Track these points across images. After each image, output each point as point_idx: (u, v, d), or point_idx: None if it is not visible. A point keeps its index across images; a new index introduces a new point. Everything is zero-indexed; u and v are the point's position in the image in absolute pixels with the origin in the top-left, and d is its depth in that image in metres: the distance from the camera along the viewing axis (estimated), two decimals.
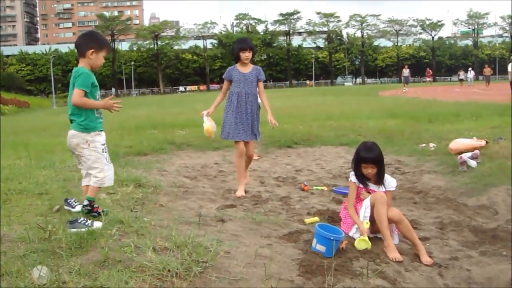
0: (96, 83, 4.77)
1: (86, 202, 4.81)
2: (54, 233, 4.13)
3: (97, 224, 4.44)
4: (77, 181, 6.79)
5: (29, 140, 12.78)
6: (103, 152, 4.78)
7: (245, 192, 6.87)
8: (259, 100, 7.20)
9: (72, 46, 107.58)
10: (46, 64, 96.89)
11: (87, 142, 4.73)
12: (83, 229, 4.21)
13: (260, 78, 7.06)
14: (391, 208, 4.70)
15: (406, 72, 46.68)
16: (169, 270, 3.43)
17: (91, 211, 4.77)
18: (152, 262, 3.52)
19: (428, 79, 62.70)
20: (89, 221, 4.46)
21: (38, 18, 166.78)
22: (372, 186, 4.93)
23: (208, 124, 7.06)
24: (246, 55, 6.89)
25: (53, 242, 3.93)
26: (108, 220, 4.60)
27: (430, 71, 64.25)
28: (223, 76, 7.25)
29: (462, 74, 57.51)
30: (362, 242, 4.51)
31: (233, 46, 7.31)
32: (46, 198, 5.76)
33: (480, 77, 59.57)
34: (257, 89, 7.06)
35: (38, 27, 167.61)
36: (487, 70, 49.06)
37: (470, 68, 57.34)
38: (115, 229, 4.33)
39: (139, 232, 4.37)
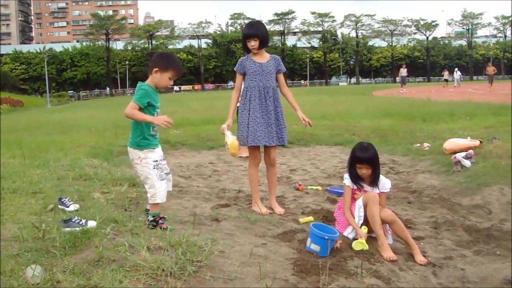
0: (155, 104, 4.78)
1: (150, 218, 4.78)
2: (48, 232, 4.12)
3: (91, 223, 4.42)
4: (71, 180, 6.79)
5: (23, 139, 12.74)
6: (154, 168, 4.72)
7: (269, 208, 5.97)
8: None
9: (66, 45, 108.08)
10: (40, 63, 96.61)
11: (139, 158, 4.76)
12: (77, 228, 4.19)
13: (280, 69, 6.02)
14: (384, 209, 4.70)
15: (403, 72, 44.91)
16: (163, 270, 3.43)
17: (155, 226, 4.71)
18: (146, 261, 3.51)
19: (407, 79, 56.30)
20: (83, 220, 4.45)
21: (32, 17, 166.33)
22: (366, 188, 4.91)
23: (233, 138, 5.68)
24: (252, 44, 5.71)
25: (47, 241, 3.92)
26: (102, 219, 4.60)
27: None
28: (235, 68, 5.97)
29: (446, 75, 56.36)
30: (359, 244, 4.51)
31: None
32: (40, 197, 5.75)
33: (461, 77, 57.07)
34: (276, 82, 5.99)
35: (33, 26, 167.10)
36: (491, 69, 44.25)
37: (456, 69, 55.53)
38: (109, 228, 4.32)
39: (133, 231, 4.37)
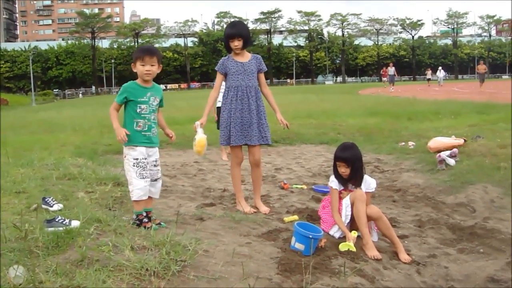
0: (137, 99, 4.79)
1: (134, 217, 4.85)
2: (31, 232, 4.08)
3: (75, 223, 4.40)
4: (55, 179, 6.76)
5: (7, 138, 12.66)
6: (134, 166, 4.74)
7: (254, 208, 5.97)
8: None
9: (52, 43, 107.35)
10: (25, 61, 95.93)
11: (124, 153, 4.84)
12: (61, 228, 4.17)
13: (262, 68, 5.97)
14: (370, 206, 4.72)
15: (391, 70, 43.72)
16: (147, 269, 3.41)
17: (139, 225, 4.74)
18: (130, 261, 3.50)
19: (384, 78, 51.90)
20: (67, 220, 4.43)
21: (17, 15, 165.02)
22: (352, 188, 4.92)
23: (202, 136, 5.58)
24: (235, 44, 5.73)
25: (30, 241, 3.89)
26: (86, 219, 4.57)
27: (387, 70, 52.51)
28: (216, 68, 5.94)
29: (429, 74, 55.62)
30: (346, 246, 4.50)
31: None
32: (23, 196, 5.73)
33: (444, 76, 55.60)
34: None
35: (17, 24, 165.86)
36: (482, 68, 41.71)
37: (440, 68, 53.62)
38: (93, 228, 4.30)
39: (117, 231, 4.35)
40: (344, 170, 4.82)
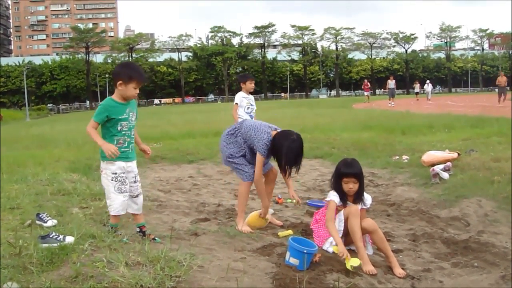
0: (118, 116, 4.75)
1: (108, 228, 4.95)
2: (25, 248, 4.08)
3: (69, 239, 4.39)
4: (49, 195, 6.74)
5: (1, 153, 12.62)
6: (112, 180, 4.78)
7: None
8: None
9: (46, 57, 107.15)
10: (19, 76, 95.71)
11: (101, 168, 4.87)
12: (55, 244, 4.16)
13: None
14: (366, 219, 4.72)
15: (391, 83, 41.04)
16: (141, 285, 3.41)
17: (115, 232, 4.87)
18: (125, 277, 3.49)
19: (365, 93, 50.88)
20: (61, 236, 4.42)
21: (11, 30, 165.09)
22: (350, 204, 4.90)
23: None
24: None
25: (24, 257, 3.88)
26: (80, 235, 4.56)
27: (368, 83, 52.24)
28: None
29: (417, 87, 53.91)
30: (356, 262, 4.39)
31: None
32: (17, 212, 5.71)
33: (432, 90, 53.60)
34: None
35: (12, 39, 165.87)
36: (502, 80, 32.49)
37: (428, 81, 52.85)
38: (87, 244, 4.29)
39: (111, 247, 4.34)
40: (352, 186, 4.79)
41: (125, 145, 4.84)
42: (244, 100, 9.41)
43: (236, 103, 9.42)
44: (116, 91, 4.80)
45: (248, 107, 9.44)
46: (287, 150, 5.33)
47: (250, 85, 9.48)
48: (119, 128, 4.77)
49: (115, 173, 4.77)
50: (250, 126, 5.61)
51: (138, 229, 4.98)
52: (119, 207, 4.80)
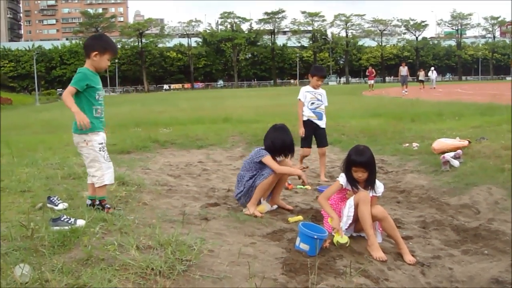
0: (96, 86, 4.91)
1: (97, 202, 4.99)
2: (36, 231, 4.09)
3: (80, 222, 4.41)
4: (60, 179, 6.78)
5: (11, 138, 12.68)
6: (100, 151, 4.88)
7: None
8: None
9: (56, 42, 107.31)
10: (29, 61, 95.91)
11: (85, 141, 4.89)
12: (66, 227, 4.18)
13: None
14: (375, 206, 4.70)
15: (404, 70, 39.80)
16: (152, 269, 3.42)
17: (102, 209, 4.93)
18: (136, 260, 3.51)
19: (370, 81, 50.11)
20: (72, 219, 4.43)
21: (21, 15, 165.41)
22: (361, 190, 4.89)
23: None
24: None
25: (36, 240, 3.90)
26: (91, 218, 4.58)
27: (374, 71, 50.46)
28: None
29: (422, 75, 50.43)
30: (339, 238, 4.49)
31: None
32: (28, 196, 5.74)
33: (437, 77, 51.71)
34: None
35: (22, 24, 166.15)
36: None
37: (432, 68, 51.01)
38: (98, 227, 4.31)
39: (122, 230, 4.36)
40: (361, 175, 4.78)
41: (102, 115, 5.01)
42: (308, 95, 8.39)
43: (299, 99, 8.44)
44: (89, 62, 4.93)
45: (313, 103, 8.42)
46: (273, 140, 5.90)
47: (317, 82, 8.44)
48: (96, 97, 4.92)
49: (101, 143, 4.91)
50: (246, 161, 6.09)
51: (89, 202, 5.06)
52: (111, 176, 4.99)
